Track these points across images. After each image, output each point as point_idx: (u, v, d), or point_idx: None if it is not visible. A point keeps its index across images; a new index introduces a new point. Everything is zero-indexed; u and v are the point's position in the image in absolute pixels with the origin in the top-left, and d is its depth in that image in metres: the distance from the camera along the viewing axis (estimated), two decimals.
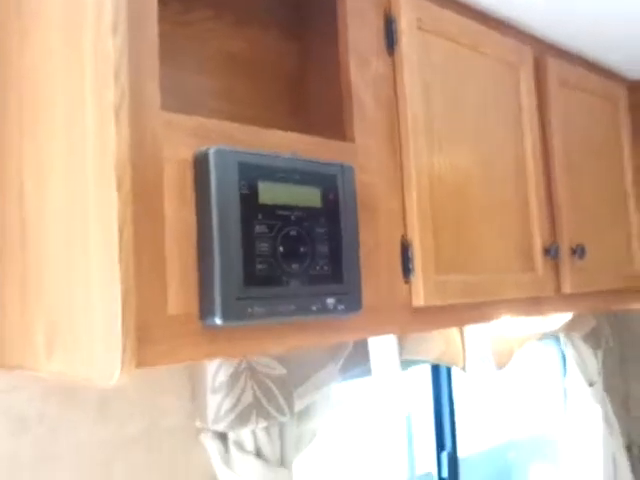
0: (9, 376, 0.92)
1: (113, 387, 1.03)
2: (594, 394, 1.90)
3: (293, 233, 0.81)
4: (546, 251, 1.27)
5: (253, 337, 0.78)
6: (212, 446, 1.09)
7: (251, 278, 0.76)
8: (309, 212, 0.83)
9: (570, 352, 1.89)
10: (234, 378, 1.07)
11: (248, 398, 1.08)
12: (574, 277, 1.34)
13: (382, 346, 1.22)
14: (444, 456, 1.70)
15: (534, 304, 1.28)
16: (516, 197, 1.25)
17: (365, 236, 0.94)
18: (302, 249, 0.82)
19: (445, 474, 1.70)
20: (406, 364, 1.51)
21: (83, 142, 0.72)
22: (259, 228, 0.77)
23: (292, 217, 0.81)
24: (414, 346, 1.39)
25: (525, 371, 2.00)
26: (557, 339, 1.99)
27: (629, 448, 2.04)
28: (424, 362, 1.55)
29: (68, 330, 0.75)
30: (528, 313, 1.29)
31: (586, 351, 1.89)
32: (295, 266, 0.81)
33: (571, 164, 1.41)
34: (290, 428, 1.14)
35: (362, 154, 0.96)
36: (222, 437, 1.09)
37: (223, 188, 0.75)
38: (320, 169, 0.85)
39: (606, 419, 1.91)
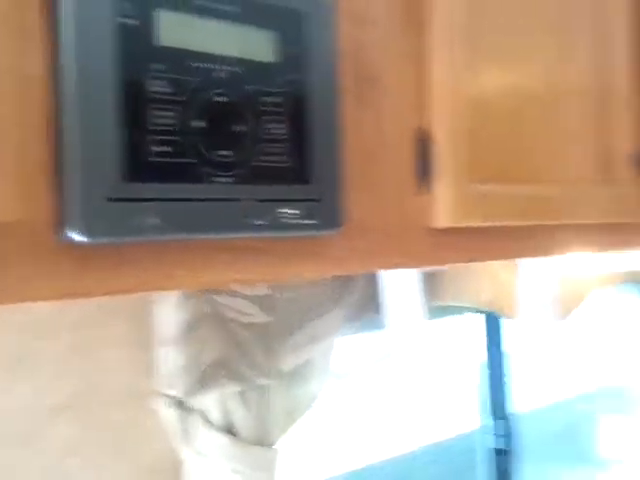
0: None
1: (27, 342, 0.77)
2: None
3: (221, 99, 0.50)
4: (636, 159, 0.92)
5: (152, 264, 0.49)
6: (168, 417, 0.82)
7: (139, 167, 0.46)
8: (253, 68, 0.52)
9: None
10: (193, 326, 0.79)
11: (213, 353, 0.80)
12: None
13: (401, 287, 0.91)
14: (497, 416, 1.41)
15: (617, 233, 0.94)
16: (595, 83, 0.89)
17: (358, 118, 0.62)
18: (237, 127, 0.51)
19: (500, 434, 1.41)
20: (452, 311, 1.21)
21: None
22: (156, 86, 0.47)
23: (221, 74, 0.50)
24: (452, 289, 1.07)
25: (596, 321, 1.66)
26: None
27: None
28: (469, 309, 1.24)
29: None
30: (609, 246, 0.95)
31: None
32: (225, 153, 0.50)
33: None
34: (276, 394, 0.86)
35: None
36: (181, 405, 0.82)
37: (84, 15, 0.44)
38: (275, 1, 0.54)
39: None
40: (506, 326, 1.43)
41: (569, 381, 1.77)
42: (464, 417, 1.48)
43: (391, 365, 1.25)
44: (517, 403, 1.47)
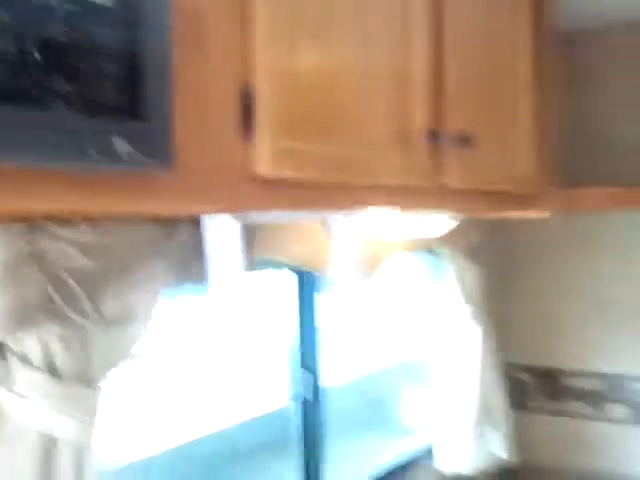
0: None
1: None
2: (474, 315, 1.76)
3: (59, 34, 0.53)
4: (428, 133, 1.06)
5: None
6: None
7: None
8: (91, 8, 0.55)
9: (449, 268, 1.73)
10: (12, 266, 0.79)
11: (34, 295, 0.81)
12: (458, 169, 1.14)
13: (222, 238, 0.98)
14: (307, 380, 1.50)
15: (411, 195, 1.08)
16: (396, 67, 1.01)
17: (189, 67, 0.67)
18: (74, 62, 0.54)
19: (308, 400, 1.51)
20: (270, 265, 1.28)
21: None
22: None
23: (60, 10, 0.53)
24: (270, 242, 1.15)
25: (396, 287, 1.83)
26: (434, 252, 1.84)
27: (507, 371, 1.93)
28: (285, 265, 1.33)
29: None
30: (403, 205, 1.09)
31: (468, 267, 1.73)
32: (62, 85, 0.53)
33: (462, 40, 1.19)
34: (97, 337, 0.88)
35: None
36: None
37: None
38: None
39: (485, 340, 1.79)
40: (319, 296, 1.50)
41: (377, 355, 1.91)
42: (281, 387, 1.50)
43: (212, 327, 1.30)
44: (327, 377, 1.54)
